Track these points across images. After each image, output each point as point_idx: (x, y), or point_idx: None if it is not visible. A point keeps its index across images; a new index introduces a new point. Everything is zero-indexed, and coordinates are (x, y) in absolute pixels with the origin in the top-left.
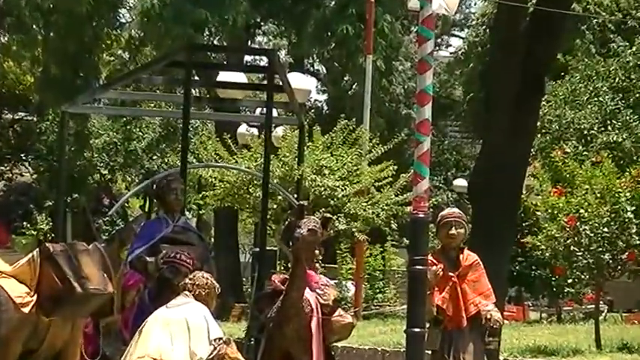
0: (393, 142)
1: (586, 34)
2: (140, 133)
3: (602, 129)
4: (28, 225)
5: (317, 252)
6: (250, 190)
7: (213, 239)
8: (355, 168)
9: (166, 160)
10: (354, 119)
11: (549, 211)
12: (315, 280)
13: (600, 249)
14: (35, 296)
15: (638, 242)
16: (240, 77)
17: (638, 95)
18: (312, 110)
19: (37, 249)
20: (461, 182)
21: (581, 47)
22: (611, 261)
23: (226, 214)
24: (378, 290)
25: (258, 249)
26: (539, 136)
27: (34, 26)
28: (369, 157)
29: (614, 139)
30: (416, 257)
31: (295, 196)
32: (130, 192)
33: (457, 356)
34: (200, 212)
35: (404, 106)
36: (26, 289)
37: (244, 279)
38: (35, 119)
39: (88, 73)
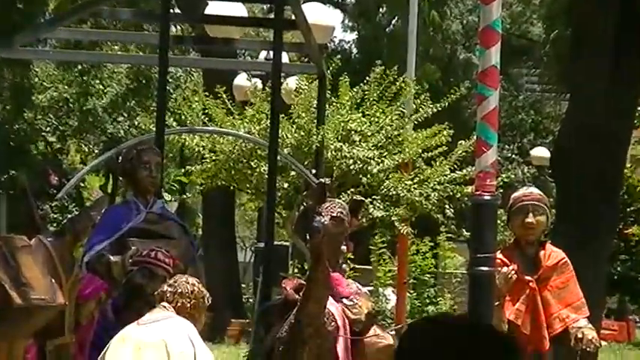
0: (448, 99)
1: None
2: (101, 87)
3: None
4: None
5: (344, 248)
6: (252, 163)
7: (200, 231)
8: (396, 133)
9: (136, 123)
10: (394, 67)
11: None
12: (341, 286)
13: None
14: None
15: None
16: (237, 9)
17: None
18: (337, 55)
19: None
20: (541, 152)
21: None
22: None
23: (219, 196)
24: (428, 300)
25: (263, 244)
26: None
27: None
28: (416, 119)
29: None
30: (480, 255)
31: (314, 171)
32: (86, 167)
33: None
34: (183, 194)
35: (462, 48)
36: None
37: (244, 285)
38: None
39: (29, 5)
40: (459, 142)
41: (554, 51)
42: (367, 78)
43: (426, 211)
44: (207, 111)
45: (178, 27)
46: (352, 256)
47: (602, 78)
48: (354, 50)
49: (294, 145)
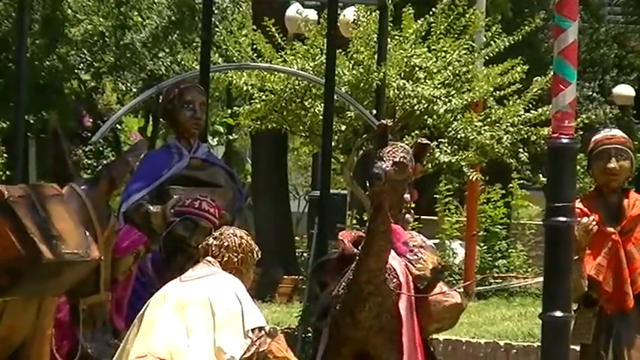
0: (522, 31)
1: None
2: (139, 19)
3: None
4: None
5: (407, 197)
6: (306, 103)
7: (249, 178)
8: (465, 69)
9: (178, 60)
10: None
11: None
12: (404, 239)
13: None
14: None
15: None
16: None
17: None
18: None
19: None
20: (625, 90)
21: None
22: None
23: (270, 140)
24: (499, 255)
25: (318, 193)
26: None
27: None
28: (486, 54)
29: None
30: (557, 204)
31: (374, 112)
32: (124, 107)
33: (620, 352)
34: (230, 137)
35: None
36: None
37: (297, 238)
38: None
39: None
40: (535, 79)
41: None
42: (433, 9)
43: (498, 156)
44: (255, 46)
45: None
46: (416, 206)
47: None
48: None
49: (353, 83)
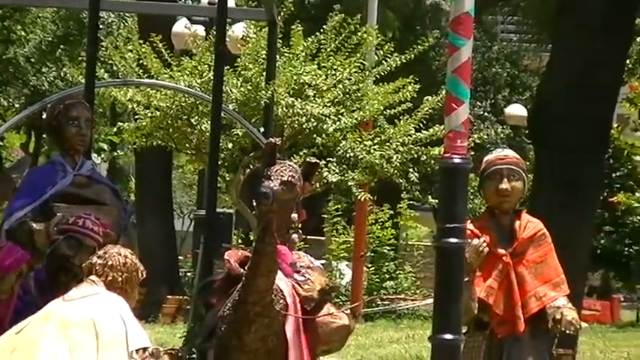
0: (414, 50)
1: None
2: (23, 33)
3: None
4: None
5: (295, 216)
6: (192, 120)
7: (133, 196)
8: (355, 88)
9: (63, 75)
10: (358, 16)
11: None
12: (291, 260)
13: None
14: None
15: None
16: None
17: None
18: None
19: None
20: (517, 110)
21: None
22: None
23: (155, 157)
24: (387, 276)
25: (204, 211)
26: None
27: None
28: (378, 72)
29: None
30: (449, 225)
31: (262, 130)
32: (6, 123)
33: None
34: (114, 154)
35: None
36: None
37: (182, 257)
38: None
39: None
40: (426, 98)
41: None
42: (324, 26)
43: (387, 175)
44: (142, 61)
45: None
46: (303, 226)
47: (592, 27)
48: None
49: (241, 101)
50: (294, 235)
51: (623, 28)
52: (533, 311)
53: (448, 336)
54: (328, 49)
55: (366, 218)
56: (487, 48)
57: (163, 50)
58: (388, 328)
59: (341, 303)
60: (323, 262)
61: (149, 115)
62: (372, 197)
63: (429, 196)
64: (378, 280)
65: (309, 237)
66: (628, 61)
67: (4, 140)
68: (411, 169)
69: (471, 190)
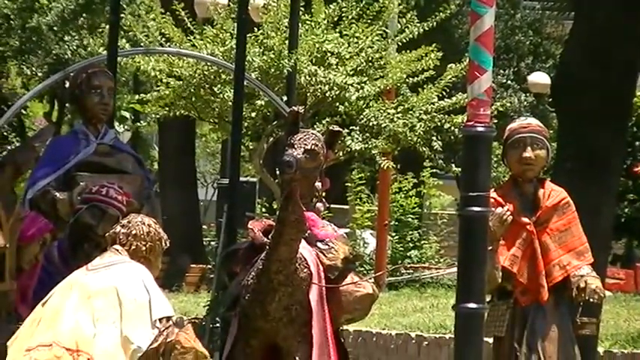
0: (436, 17)
1: None
2: (45, 1)
3: None
4: None
5: (318, 185)
6: (215, 89)
7: (156, 165)
8: (378, 56)
9: (85, 44)
10: None
11: None
12: (315, 228)
13: None
14: None
15: None
16: None
17: None
18: None
19: None
20: (540, 78)
21: None
22: None
23: (178, 126)
24: (411, 245)
25: (227, 180)
26: None
27: None
28: (400, 40)
29: None
30: (472, 194)
31: (285, 98)
32: (29, 92)
33: (534, 345)
34: (137, 124)
35: None
36: None
37: (205, 227)
38: None
39: None
40: (449, 65)
41: None
42: None
43: (411, 144)
44: (164, 30)
45: None
46: (327, 194)
47: None
48: None
49: (263, 69)
50: (319, 204)
51: None
52: (557, 280)
53: (472, 305)
54: (350, 17)
55: (389, 187)
56: (510, 16)
57: (186, 18)
58: (412, 297)
59: (365, 272)
60: (347, 230)
61: (171, 83)
62: (395, 166)
63: (453, 165)
64: (402, 248)
65: (332, 205)
66: None
67: (27, 109)
68: (434, 138)
69: (495, 159)
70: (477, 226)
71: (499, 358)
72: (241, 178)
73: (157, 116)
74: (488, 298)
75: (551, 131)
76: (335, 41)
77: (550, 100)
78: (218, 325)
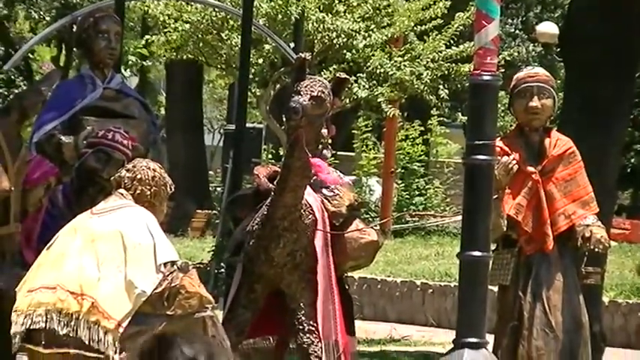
0: None
1: None
2: None
3: None
4: None
5: (325, 132)
6: (223, 35)
7: (163, 110)
8: (386, 3)
9: None
10: None
11: None
12: (321, 175)
13: None
14: None
15: None
16: None
17: None
18: None
19: None
20: (548, 28)
21: None
22: None
23: (185, 71)
24: (417, 193)
25: (233, 126)
26: None
27: None
28: None
29: None
30: (477, 142)
31: (292, 45)
32: (37, 36)
33: (538, 294)
34: (144, 68)
35: None
36: None
37: (211, 172)
38: None
39: None
40: (457, 14)
41: None
42: None
43: (417, 92)
44: None
45: None
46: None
47: None
48: None
49: (271, 16)
50: (325, 151)
51: None
52: (562, 229)
53: (476, 253)
54: None
55: (395, 134)
56: None
57: None
58: (417, 245)
59: (370, 219)
60: (353, 177)
61: (179, 28)
62: (401, 113)
63: (459, 113)
64: (407, 196)
65: (338, 153)
66: None
67: (34, 53)
68: (441, 86)
69: (501, 108)
70: (483, 175)
71: (503, 307)
72: (248, 125)
73: (164, 60)
74: (493, 247)
75: (559, 81)
76: None
77: (558, 50)
78: (223, 270)
